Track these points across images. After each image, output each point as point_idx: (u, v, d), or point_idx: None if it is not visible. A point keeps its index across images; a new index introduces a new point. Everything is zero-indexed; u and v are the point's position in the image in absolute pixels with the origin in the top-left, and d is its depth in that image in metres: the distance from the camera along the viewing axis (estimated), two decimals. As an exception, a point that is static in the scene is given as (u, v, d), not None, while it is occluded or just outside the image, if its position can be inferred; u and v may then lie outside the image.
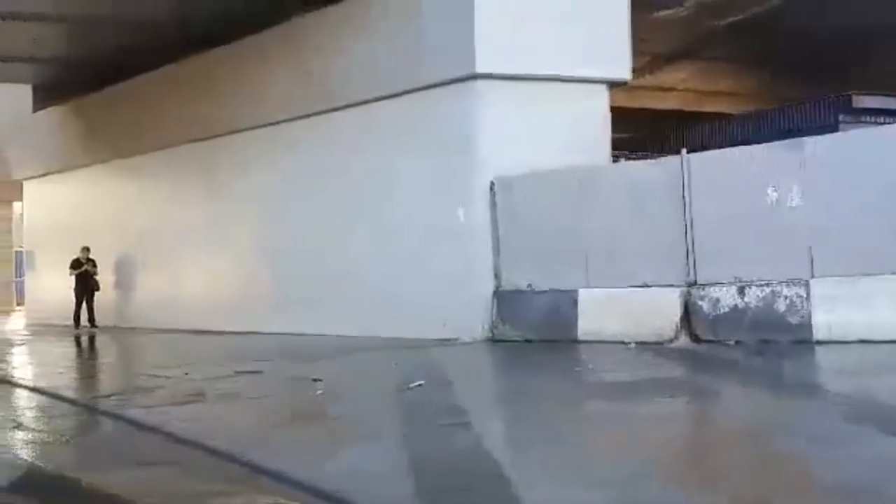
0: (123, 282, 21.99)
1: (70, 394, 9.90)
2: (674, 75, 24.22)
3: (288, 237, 16.87)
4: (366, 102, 15.07)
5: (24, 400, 9.20)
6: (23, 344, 19.05)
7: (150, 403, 8.72)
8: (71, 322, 21.20)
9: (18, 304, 31.23)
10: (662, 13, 19.81)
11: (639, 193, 12.22)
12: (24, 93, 24.35)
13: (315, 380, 9.63)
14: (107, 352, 16.26)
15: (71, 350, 17.31)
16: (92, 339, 19.27)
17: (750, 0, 18.88)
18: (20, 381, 11.27)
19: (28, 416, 8.09)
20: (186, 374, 11.09)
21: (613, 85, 14.64)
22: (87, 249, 21.42)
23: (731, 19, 20.65)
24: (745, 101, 24.19)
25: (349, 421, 7.35)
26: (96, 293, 21.39)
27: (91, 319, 21.29)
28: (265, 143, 17.38)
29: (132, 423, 6.96)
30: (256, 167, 17.62)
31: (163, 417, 7.55)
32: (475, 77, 13.62)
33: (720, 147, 14.29)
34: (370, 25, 15.08)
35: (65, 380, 11.65)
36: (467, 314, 13.59)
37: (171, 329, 18.77)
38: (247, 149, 17.88)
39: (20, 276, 32.66)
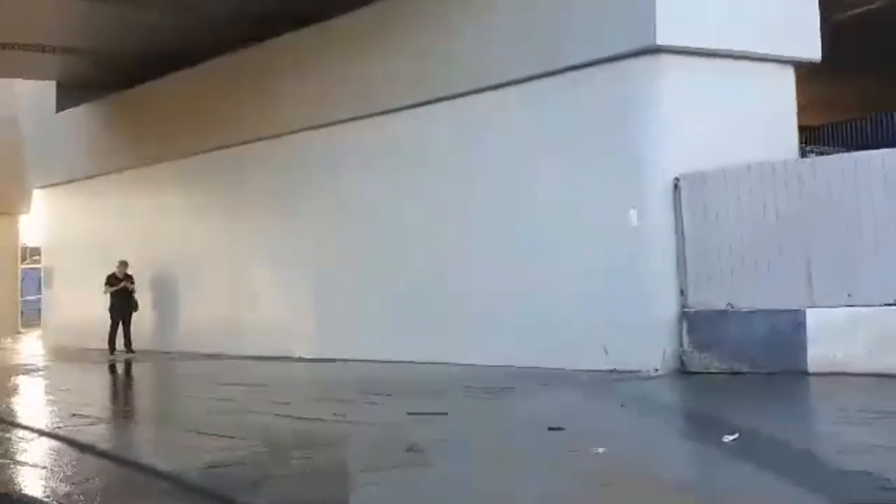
0: (162, 301, 19.29)
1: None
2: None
3: (390, 247, 14.25)
4: (501, 86, 12.59)
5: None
6: (58, 375, 16.24)
7: (361, 467, 6.17)
8: (100, 346, 18.55)
9: (24, 327, 28.35)
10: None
11: (891, 187, 9.83)
12: (48, 91, 21.66)
13: (553, 428, 7.12)
14: (183, 384, 13.43)
15: (131, 383, 14.67)
16: (132, 366, 16.57)
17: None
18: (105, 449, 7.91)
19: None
20: (338, 414, 8.55)
21: (799, 66, 12.30)
22: (124, 264, 18.76)
23: (848, 13, 18.35)
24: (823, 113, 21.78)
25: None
26: (134, 313, 18.81)
27: (127, 343, 18.63)
28: (353, 137, 14.81)
29: None
30: (343, 166, 15.02)
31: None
32: (655, 51, 11.21)
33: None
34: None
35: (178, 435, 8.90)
36: (642, 340, 11.10)
37: (226, 355, 16.18)
38: (328, 146, 15.31)
39: (25, 297, 29.97)
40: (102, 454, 7.37)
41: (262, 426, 8.40)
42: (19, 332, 27.41)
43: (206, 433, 8.03)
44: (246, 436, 7.78)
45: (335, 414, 8.60)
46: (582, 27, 11.76)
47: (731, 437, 6.36)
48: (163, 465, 6.58)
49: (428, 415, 8.30)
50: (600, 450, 6.25)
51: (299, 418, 8.66)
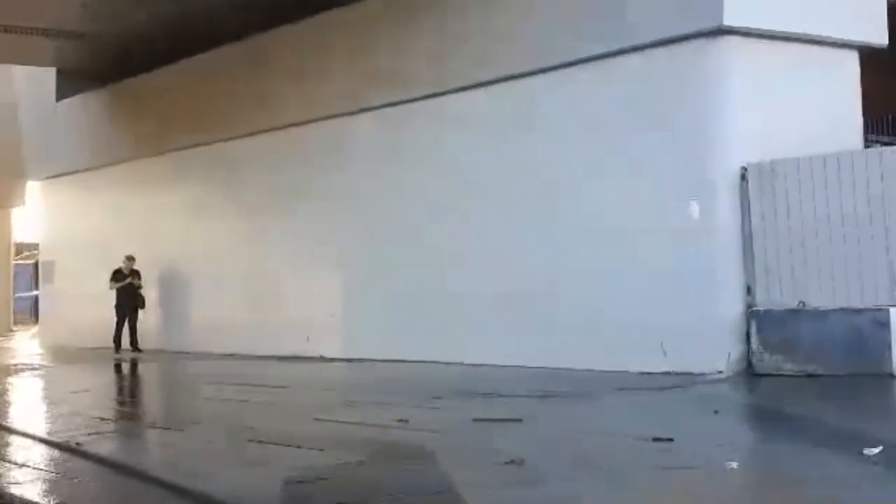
0: (167, 299, 18.47)
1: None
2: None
3: (422, 240, 13.56)
4: (552, 69, 11.88)
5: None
6: (64, 376, 15.42)
7: (463, 483, 5.43)
8: (100, 344, 18.00)
9: (16, 324, 27.49)
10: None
11: None
12: (47, 82, 20.77)
13: (659, 439, 6.40)
14: (205, 385, 12.39)
15: (147, 385, 13.92)
16: (142, 366, 15.75)
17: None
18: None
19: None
20: (402, 420, 7.81)
21: (863, 51, 11.64)
22: (131, 259, 18.05)
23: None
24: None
25: None
26: (141, 311, 18.04)
27: (133, 342, 17.91)
28: (378, 125, 14.10)
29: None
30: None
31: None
32: (721, 32, 10.53)
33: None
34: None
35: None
36: (702, 340, 10.43)
37: (238, 354, 15.48)
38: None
39: (18, 293, 29.11)
40: (154, 480, 6.21)
41: (326, 434, 7.62)
42: (12, 331, 26.53)
43: (264, 442, 7.24)
44: (313, 445, 6.98)
45: (399, 420, 7.83)
46: (646, 7, 11.02)
47: (874, 451, 5.67)
48: (235, 485, 5.66)
49: (499, 421, 7.59)
50: (733, 464, 5.55)
51: (359, 424, 7.90)
